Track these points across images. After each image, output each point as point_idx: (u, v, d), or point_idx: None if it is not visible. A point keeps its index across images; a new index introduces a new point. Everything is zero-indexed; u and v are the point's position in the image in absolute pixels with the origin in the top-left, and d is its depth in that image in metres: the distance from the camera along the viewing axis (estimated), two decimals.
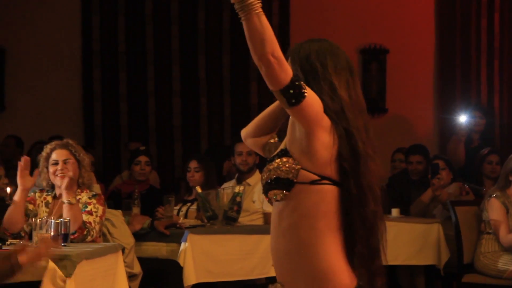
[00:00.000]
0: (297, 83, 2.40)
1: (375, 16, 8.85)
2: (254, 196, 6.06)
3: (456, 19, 8.94)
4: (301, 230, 2.49)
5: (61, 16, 8.70)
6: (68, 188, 4.55)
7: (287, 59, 2.53)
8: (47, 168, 4.69)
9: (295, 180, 2.47)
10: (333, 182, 2.51)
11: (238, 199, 5.62)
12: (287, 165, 2.48)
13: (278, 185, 2.47)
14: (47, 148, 4.80)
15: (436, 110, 8.93)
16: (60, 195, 4.67)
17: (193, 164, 6.08)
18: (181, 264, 5.26)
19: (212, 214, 5.58)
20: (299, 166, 2.48)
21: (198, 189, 5.73)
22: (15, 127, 8.20)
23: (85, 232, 4.58)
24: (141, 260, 5.37)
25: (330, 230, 2.50)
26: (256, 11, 2.32)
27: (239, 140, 6.35)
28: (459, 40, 8.93)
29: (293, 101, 2.40)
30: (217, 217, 5.58)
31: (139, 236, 5.50)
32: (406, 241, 6.15)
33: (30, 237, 4.46)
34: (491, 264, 5.66)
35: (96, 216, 4.69)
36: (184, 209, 6.09)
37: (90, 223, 4.62)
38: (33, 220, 4.24)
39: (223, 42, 8.63)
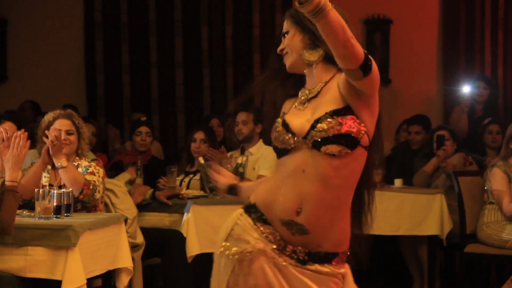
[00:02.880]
0: (366, 51, 2.36)
1: None
2: (255, 164, 6.03)
3: None
4: (349, 192, 2.47)
5: None
6: (55, 154, 4.54)
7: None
8: (47, 136, 4.63)
9: (361, 142, 2.42)
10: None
11: (241, 169, 5.61)
12: (358, 126, 2.40)
13: (346, 142, 2.38)
14: (49, 116, 4.77)
15: (440, 81, 8.89)
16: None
17: (199, 135, 6.05)
18: (184, 235, 5.26)
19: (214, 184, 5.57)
20: (365, 129, 2.42)
21: (201, 160, 5.71)
22: (17, 98, 8.19)
23: (91, 187, 4.60)
24: (144, 230, 5.38)
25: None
26: (329, 9, 2.24)
27: (241, 110, 6.33)
28: (463, 10, 8.86)
29: (369, 70, 2.35)
30: None
31: (142, 207, 5.51)
32: (409, 212, 6.15)
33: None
34: (494, 234, 5.66)
35: (99, 176, 4.71)
36: (186, 180, 6.08)
37: (94, 181, 4.64)
38: (36, 190, 4.24)
39: (226, 13, 8.56)
